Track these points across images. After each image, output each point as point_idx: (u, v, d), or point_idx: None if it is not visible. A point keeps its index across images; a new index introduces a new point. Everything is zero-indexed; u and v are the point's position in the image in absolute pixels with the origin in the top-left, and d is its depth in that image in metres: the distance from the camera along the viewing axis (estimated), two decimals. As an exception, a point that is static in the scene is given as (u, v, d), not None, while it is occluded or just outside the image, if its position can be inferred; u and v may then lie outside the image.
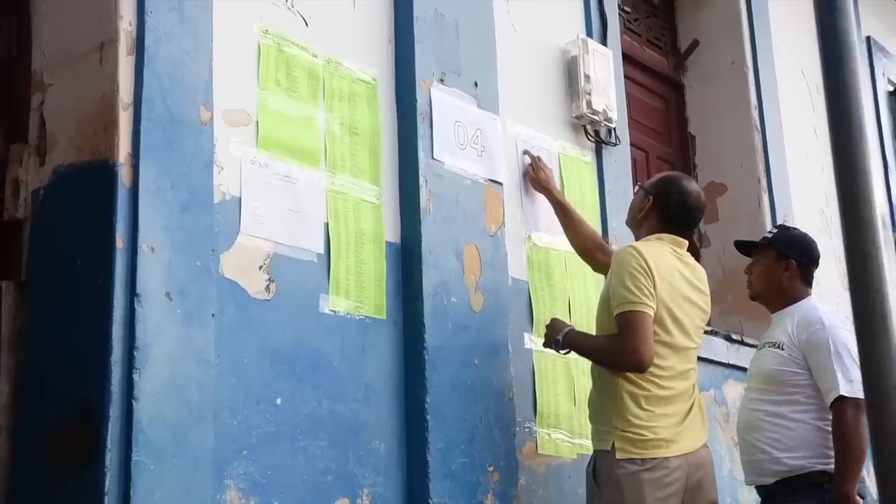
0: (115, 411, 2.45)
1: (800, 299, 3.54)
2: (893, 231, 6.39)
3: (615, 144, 4.30)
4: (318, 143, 3.15)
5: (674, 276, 3.21)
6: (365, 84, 3.36)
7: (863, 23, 6.29)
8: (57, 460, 2.51)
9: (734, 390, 4.66)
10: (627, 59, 4.89)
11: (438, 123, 3.47)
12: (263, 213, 2.93)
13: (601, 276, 3.67)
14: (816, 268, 3.66)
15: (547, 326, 3.42)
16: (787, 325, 3.47)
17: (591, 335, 3.35)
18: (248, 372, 2.80)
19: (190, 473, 2.56)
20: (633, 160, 4.69)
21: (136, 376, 2.49)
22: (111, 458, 2.43)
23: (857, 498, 3.22)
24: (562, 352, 3.37)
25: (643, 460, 3.05)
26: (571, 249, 3.86)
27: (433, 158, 3.42)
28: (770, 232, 3.70)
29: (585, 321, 3.73)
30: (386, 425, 3.14)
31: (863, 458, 3.22)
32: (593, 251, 3.67)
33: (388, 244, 3.29)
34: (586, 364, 3.45)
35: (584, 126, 4.20)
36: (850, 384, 3.22)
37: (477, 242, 3.50)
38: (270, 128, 3.01)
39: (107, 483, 2.41)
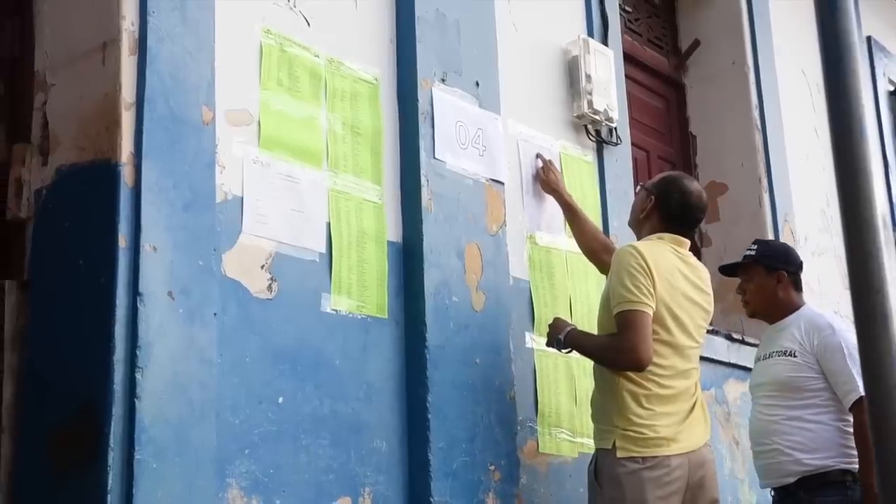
0: (117, 410, 2.46)
1: (798, 307, 3.63)
2: (894, 231, 6.39)
3: (616, 144, 4.31)
4: (320, 142, 3.16)
5: (674, 275, 3.21)
6: (367, 84, 3.36)
7: (863, 23, 6.29)
8: (59, 459, 2.52)
9: (735, 389, 4.66)
10: (628, 58, 4.89)
11: (440, 123, 3.48)
12: (265, 213, 2.94)
13: (602, 276, 3.67)
14: (801, 272, 3.73)
15: (549, 326, 3.43)
16: (795, 333, 3.53)
17: (592, 335, 3.36)
18: (250, 371, 2.81)
19: (192, 472, 2.56)
20: (634, 160, 4.70)
21: (138, 375, 2.50)
22: (114, 456, 2.43)
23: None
24: (563, 351, 3.38)
25: (644, 458, 3.06)
26: (572, 249, 3.86)
27: (435, 158, 3.43)
28: (751, 249, 3.73)
29: (586, 320, 3.74)
30: (387, 424, 3.15)
31: None
32: (600, 252, 3.68)
33: (390, 243, 3.29)
34: (587, 363, 3.46)
35: (586, 126, 4.21)
36: None
37: (478, 242, 3.50)
38: (272, 127, 3.02)
39: (109, 482, 2.41)
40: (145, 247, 2.58)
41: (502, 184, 3.68)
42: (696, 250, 5.19)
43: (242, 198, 2.89)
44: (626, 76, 4.65)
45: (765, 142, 5.38)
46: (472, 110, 3.63)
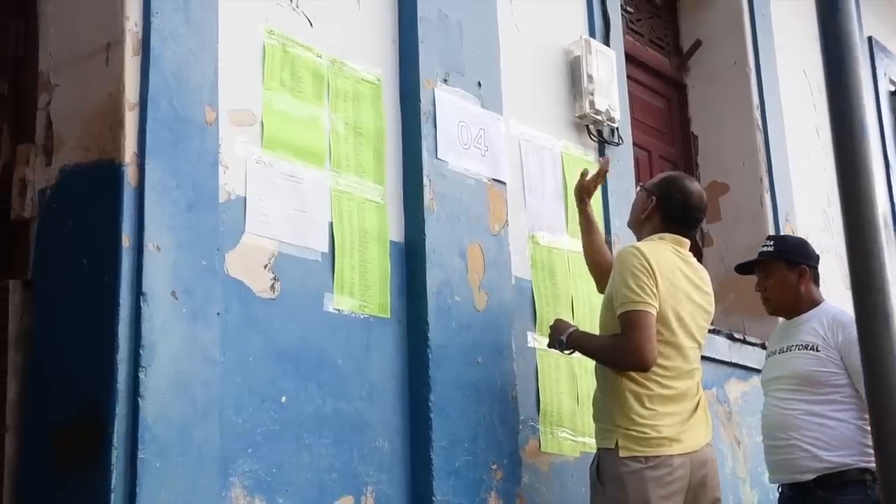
0: (121, 409, 2.46)
1: (818, 302, 3.61)
2: (895, 230, 6.39)
3: (618, 144, 4.31)
4: (322, 142, 3.17)
5: (676, 275, 3.22)
6: (369, 84, 3.37)
7: (864, 23, 6.29)
8: (63, 458, 2.53)
9: (736, 389, 4.67)
10: (630, 59, 4.90)
11: (442, 123, 3.48)
12: (268, 213, 2.95)
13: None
14: (818, 265, 3.72)
15: (551, 327, 3.44)
16: (817, 328, 3.52)
17: (594, 335, 3.36)
18: (253, 370, 2.82)
19: (195, 471, 2.57)
20: (636, 160, 4.71)
21: (141, 374, 2.50)
22: (117, 455, 2.44)
23: None
24: (566, 352, 3.39)
25: (646, 458, 3.07)
26: (574, 249, 3.87)
27: (437, 158, 3.43)
28: (767, 245, 3.70)
29: (588, 320, 3.75)
30: (390, 423, 3.16)
31: None
32: (603, 267, 3.64)
33: (392, 243, 3.30)
34: (589, 362, 3.46)
35: (587, 126, 4.21)
36: None
37: (480, 242, 3.51)
38: (275, 127, 3.03)
39: (113, 480, 2.42)
40: (149, 246, 2.58)
41: (504, 184, 3.69)
42: (697, 250, 5.21)
43: (245, 198, 2.90)
44: (628, 76, 4.66)
45: (766, 142, 5.38)
46: (475, 110, 3.64)
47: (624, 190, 4.25)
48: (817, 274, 3.66)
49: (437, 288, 3.30)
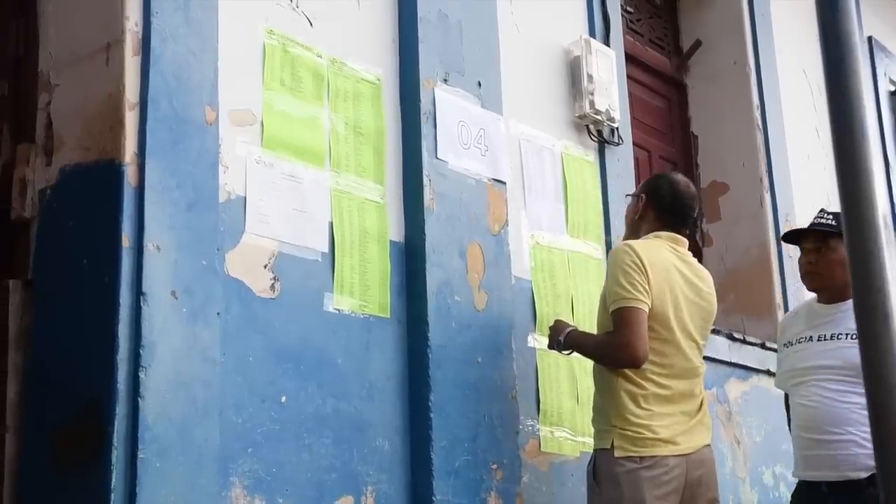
0: (121, 409, 2.47)
1: None
2: (895, 230, 6.38)
3: (618, 144, 4.32)
4: (322, 142, 3.17)
5: (671, 272, 3.22)
6: (369, 84, 3.37)
7: (864, 23, 6.28)
8: (64, 458, 2.53)
9: (736, 389, 4.67)
10: (630, 59, 4.90)
11: (442, 123, 3.48)
12: (268, 213, 2.95)
13: (604, 276, 3.68)
14: None
15: (550, 328, 3.44)
16: None
17: (590, 334, 3.37)
18: (253, 370, 2.82)
19: (195, 471, 2.57)
20: (636, 160, 4.71)
21: (142, 374, 2.50)
22: (117, 455, 2.44)
23: None
24: (564, 352, 3.39)
25: (642, 458, 3.06)
26: (574, 248, 3.87)
27: (437, 158, 3.44)
28: (826, 217, 3.44)
29: (587, 320, 3.75)
30: (390, 423, 3.16)
31: None
32: None
33: (392, 243, 3.30)
34: (588, 363, 3.46)
35: (587, 126, 4.21)
36: None
37: (480, 241, 3.51)
38: (275, 127, 3.03)
39: (113, 480, 2.42)
40: (149, 246, 2.59)
41: (504, 184, 3.69)
42: (697, 250, 5.21)
43: (245, 197, 2.90)
44: (628, 76, 4.66)
45: (766, 142, 5.39)
46: (475, 110, 3.64)
47: (624, 190, 4.25)
48: None
49: (437, 288, 3.30)
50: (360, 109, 3.31)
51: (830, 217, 3.44)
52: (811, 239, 3.45)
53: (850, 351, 3.20)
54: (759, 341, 4.80)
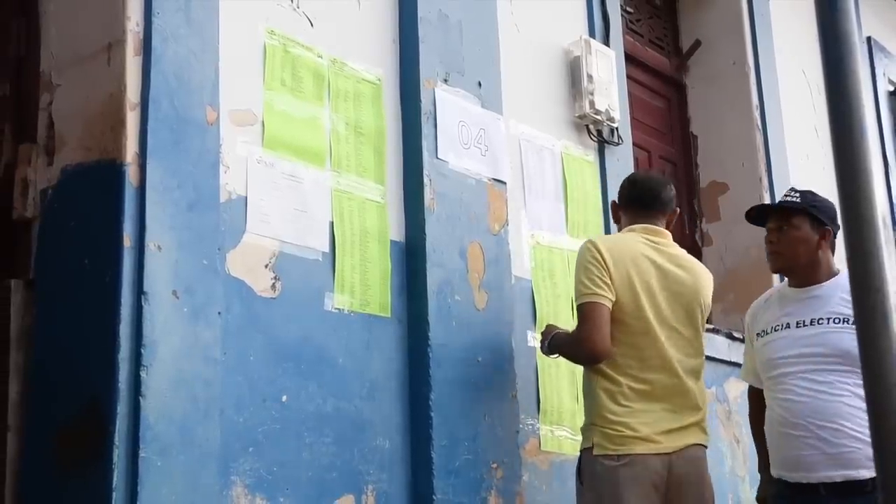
0: (122, 408, 2.47)
1: (837, 272, 3.12)
2: (894, 230, 6.40)
3: (618, 144, 4.32)
4: (323, 142, 3.18)
5: (640, 263, 3.17)
6: (369, 84, 3.38)
7: (863, 23, 6.30)
8: (65, 457, 2.54)
9: (735, 388, 4.67)
10: (630, 59, 4.91)
11: (442, 123, 3.49)
12: (269, 212, 2.95)
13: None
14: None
15: (541, 333, 3.45)
16: (848, 299, 3.05)
17: (564, 334, 3.32)
18: (254, 369, 2.82)
19: (196, 469, 2.58)
20: (636, 160, 4.71)
21: (143, 373, 2.51)
22: (119, 454, 2.45)
23: None
24: (552, 357, 3.41)
25: (619, 456, 3.02)
26: (574, 248, 3.87)
27: (437, 158, 3.44)
28: (792, 196, 3.21)
29: (588, 320, 3.75)
30: (390, 422, 3.16)
31: None
32: None
33: (393, 243, 3.31)
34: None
35: (587, 126, 4.22)
36: None
37: (480, 241, 3.51)
38: (276, 127, 3.03)
39: (114, 479, 2.43)
40: (150, 246, 2.59)
41: (504, 183, 3.69)
42: (697, 250, 5.22)
43: (246, 197, 2.91)
44: (628, 76, 4.67)
45: (765, 142, 5.39)
46: (475, 110, 3.65)
47: (623, 190, 4.26)
48: (835, 244, 3.09)
49: (437, 287, 3.31)
50: (360, 109, 3.32)
51: (797, 195, 3.21)
52: (773, 217, 3.22)
53: (835, 336, 3.01)
54: (758, 341, 4.80)
